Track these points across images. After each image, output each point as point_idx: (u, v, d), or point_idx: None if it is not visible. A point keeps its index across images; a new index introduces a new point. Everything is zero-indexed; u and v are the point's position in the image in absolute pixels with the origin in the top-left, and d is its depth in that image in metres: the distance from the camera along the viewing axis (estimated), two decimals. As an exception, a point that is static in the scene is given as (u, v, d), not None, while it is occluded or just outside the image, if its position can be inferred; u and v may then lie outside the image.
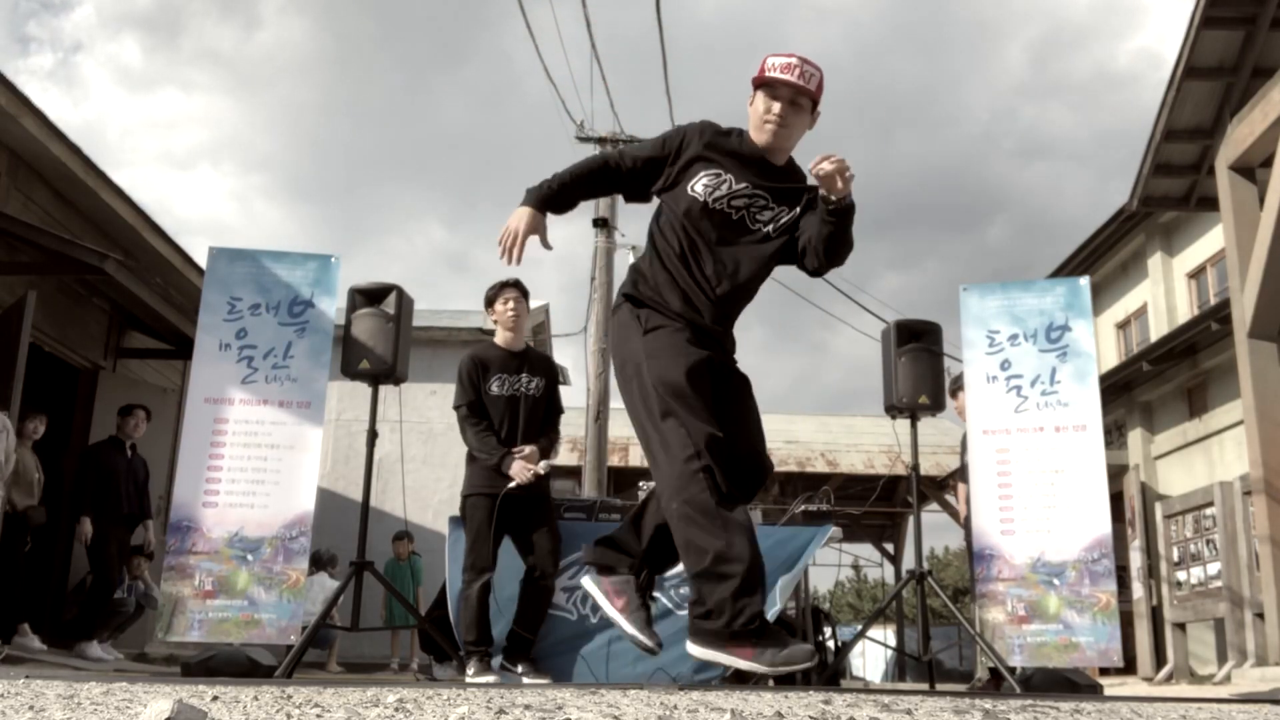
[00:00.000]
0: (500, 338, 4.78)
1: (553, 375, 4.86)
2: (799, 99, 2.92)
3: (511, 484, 4.45)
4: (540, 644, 4.64)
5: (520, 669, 4.49)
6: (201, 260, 7.71)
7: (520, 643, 4.54)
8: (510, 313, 4.73)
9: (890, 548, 22.47)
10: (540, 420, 4.72)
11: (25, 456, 6.78)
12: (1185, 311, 12.90)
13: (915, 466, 5.22)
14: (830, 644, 6.29)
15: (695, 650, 2.74)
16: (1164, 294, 13.39)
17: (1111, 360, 14.21)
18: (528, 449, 4.54)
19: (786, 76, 2.89)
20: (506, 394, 4.63)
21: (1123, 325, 14.96)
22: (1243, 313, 8.52)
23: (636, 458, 16.78)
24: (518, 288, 4.78)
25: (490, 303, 4.79)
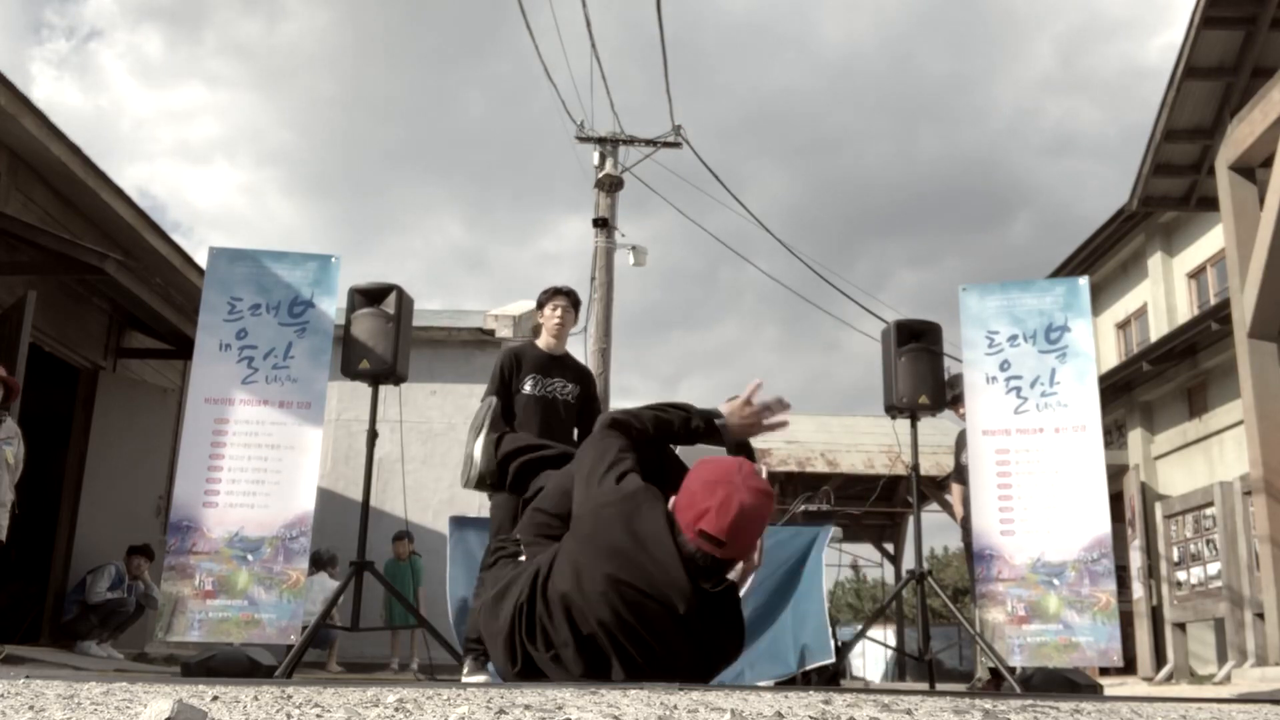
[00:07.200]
0: (542, 341, 4.79)
1: (588, 382, 4.88)
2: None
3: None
4: None
5: None
6: (202, 260, 7.71)
7: None
8: (556, 320, 4.75)
9: (890, 548, 22.45)
10: (572, 425, 4.69)
11: None
12: (1185, 311, 12.89)
13: (915, 466, 5.22)
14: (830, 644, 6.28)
15: None
16: (1164, 294, 13.38)
17: (1111, 360, 14.21)
18: None
19: None
20: (539, 394, 4.63)
21: (1123, 325, 14.96)
22: (1243, 313, 8.52)
23: (636, 458, 16.74)
24: (570, 297, 4.79)
25: (540, 305, 4.82)
